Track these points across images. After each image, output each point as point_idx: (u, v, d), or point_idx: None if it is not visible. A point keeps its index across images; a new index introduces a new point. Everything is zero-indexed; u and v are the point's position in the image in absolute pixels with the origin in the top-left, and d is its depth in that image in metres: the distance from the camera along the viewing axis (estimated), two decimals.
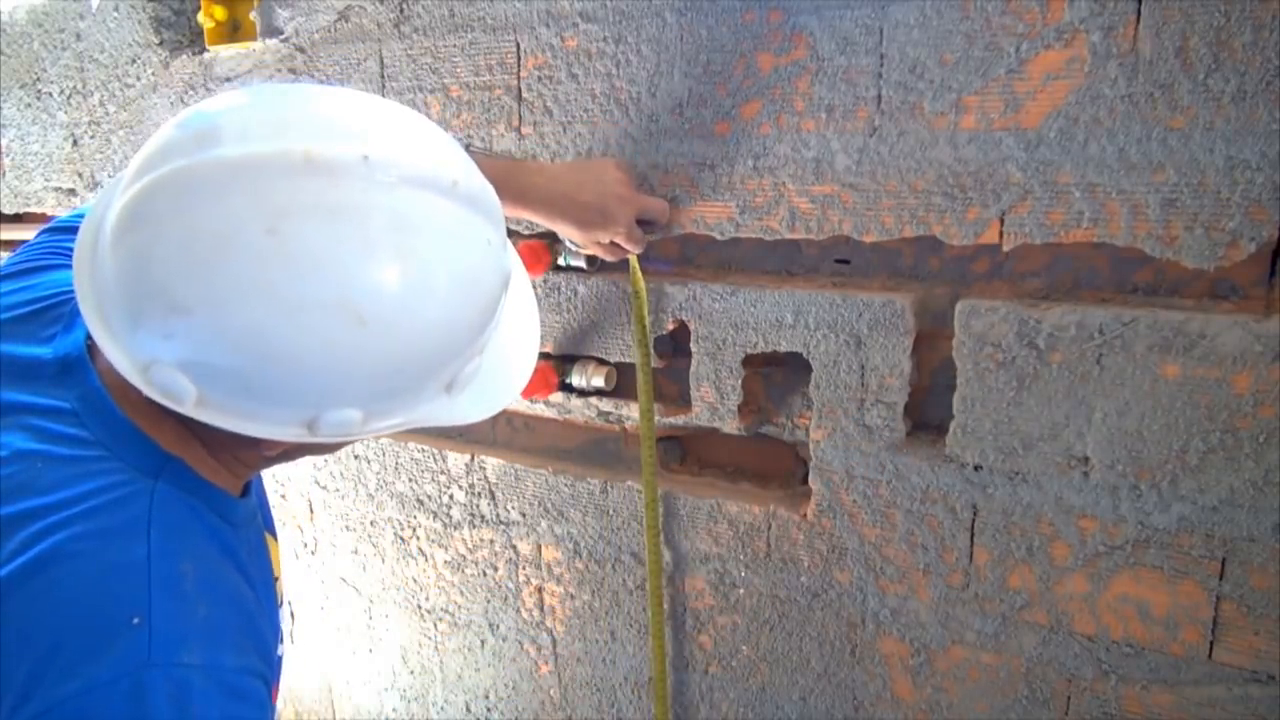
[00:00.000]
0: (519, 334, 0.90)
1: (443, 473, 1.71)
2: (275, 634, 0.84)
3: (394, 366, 0.72)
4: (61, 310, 0.84)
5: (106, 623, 0.68)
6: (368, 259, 0.68)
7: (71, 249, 0.91)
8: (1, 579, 0.68)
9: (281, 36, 1.72)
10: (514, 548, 1.65)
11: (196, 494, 0.78)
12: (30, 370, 0.79)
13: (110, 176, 2.06)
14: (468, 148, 0.96)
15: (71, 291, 0.84)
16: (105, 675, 0.66)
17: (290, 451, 0.83)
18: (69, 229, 1.00)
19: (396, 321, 0.69)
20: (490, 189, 0.79)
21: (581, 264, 1.44)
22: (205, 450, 0.80)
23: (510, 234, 1.52)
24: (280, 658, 0.88)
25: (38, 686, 0.66)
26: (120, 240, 0.69)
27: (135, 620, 0.68)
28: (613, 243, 1.32)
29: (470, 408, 0.82)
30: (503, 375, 0.86)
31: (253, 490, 0.91)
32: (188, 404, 0.69)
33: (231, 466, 0.83)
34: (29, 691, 0.65)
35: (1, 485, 0.71)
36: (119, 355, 0.70)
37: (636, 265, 1.36)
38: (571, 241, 1.36)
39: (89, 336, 0.79)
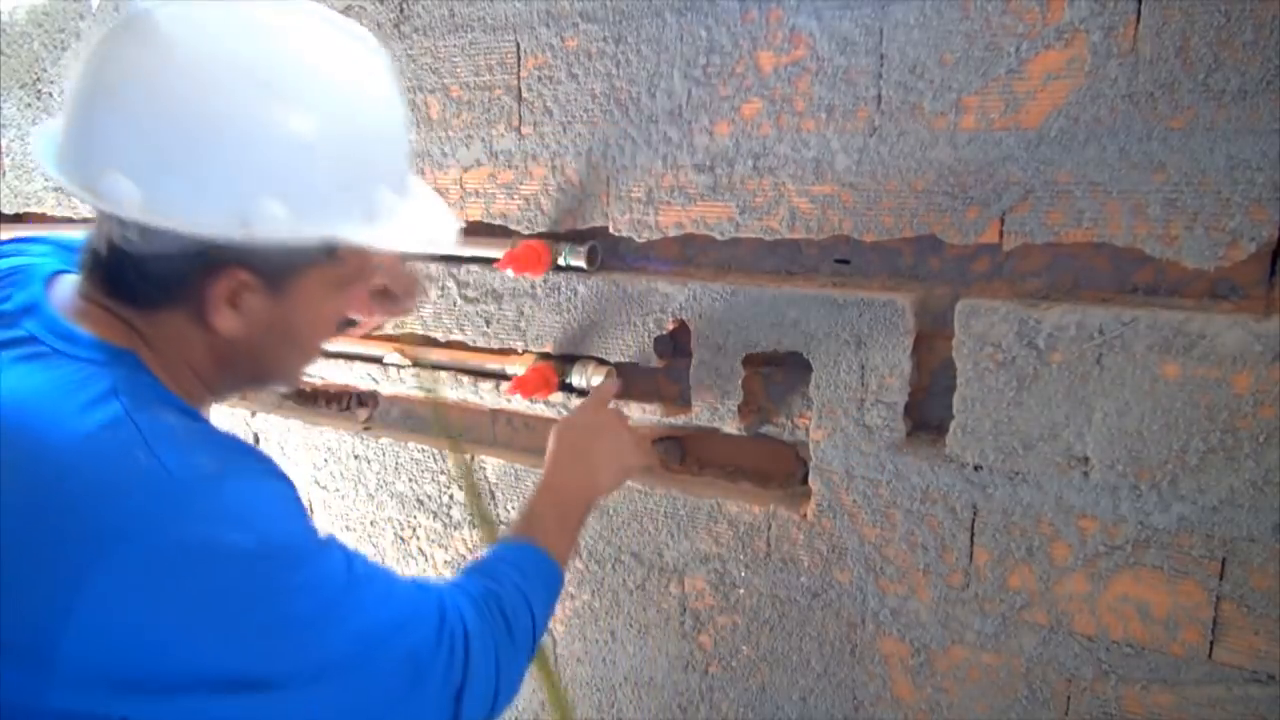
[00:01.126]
0: (435, 209, 0.94)
1: (443, 473, 1.71)
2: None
3: (309, 154, 0.76)
4: (14, 278, 0.87)
5: (115, 474, 0.70)
6: (282, 34, 0.76)
7: (16, 249, 0.94)
8: None
9: None
10: None
11: (154, 382, 0.80)
12: None
13: None
14: None
15: (20, 266, 0.88)
16: (142, 524, 0.68)
17: (240, 360, 0.84)
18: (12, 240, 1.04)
19: (306, 99, 0.76)
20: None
21: (581, 263, 1.44)
22: (152, 353, 0.82)
23: (508, 235, 1.52)
24: None
25: (78, 570, 0.66)
26: (69, 100, 0.77)
27: (141, 457, 0.70)
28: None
29: (392, 238, 0.85)
30: (423, 226, 0.90)
31: None
32: (133, 207, 0.73)
33: (177, 373, 0.84)
34: (77, 580, 0.66)
35: None
36: (69, 174, 0.75)
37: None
38: None
39: (44, 288, 0.84)
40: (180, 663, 0.70)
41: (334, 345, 1.79)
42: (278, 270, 0.80)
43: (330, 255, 0.82)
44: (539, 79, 1.44)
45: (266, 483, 0.78)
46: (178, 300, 0.79)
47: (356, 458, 1.82)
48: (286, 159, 0.75)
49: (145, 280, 0.78)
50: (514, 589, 0.93)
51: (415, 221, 0.87)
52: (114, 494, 0.69)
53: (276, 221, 0.75)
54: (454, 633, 0.83)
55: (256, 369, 0.88)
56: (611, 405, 1.25)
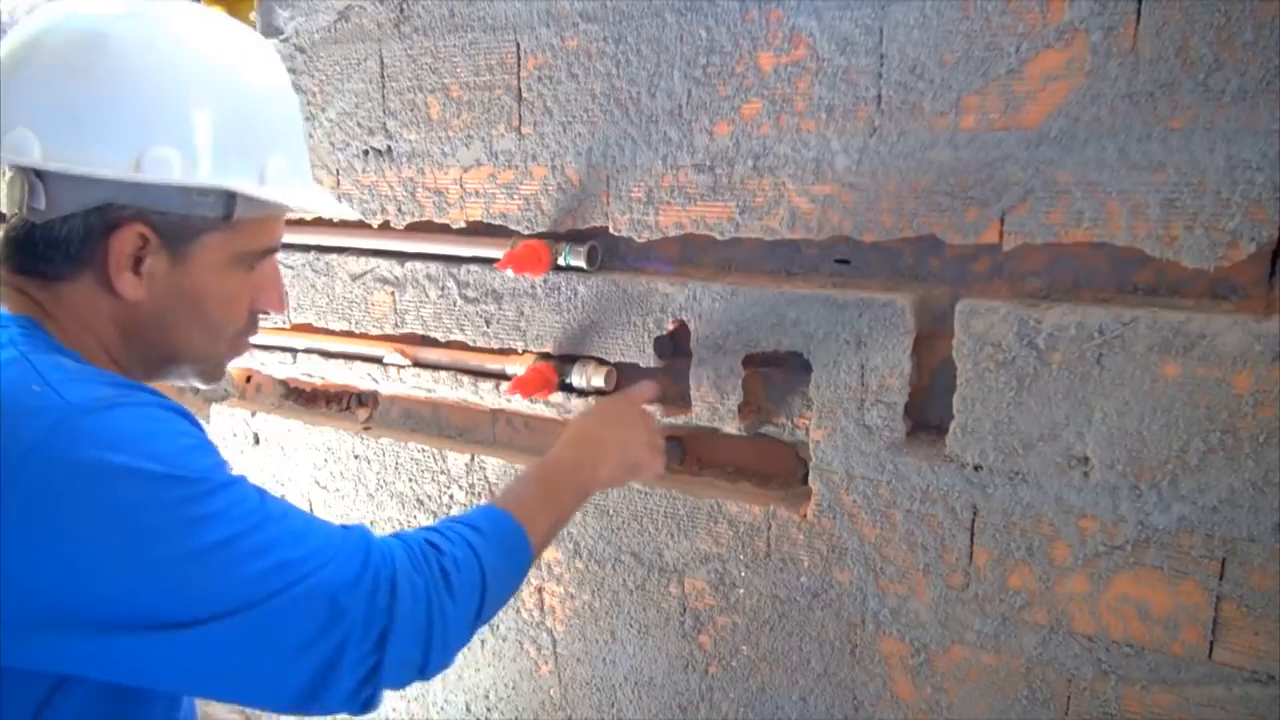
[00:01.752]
0: (331, 199, 1.02)
1: (443, 473, 1.71)
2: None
3: (203, 112, 0.82)
4: None
5: (11, 407, 0.71)
6: (189, 25, 0.84)
7: None
8: None
9: (282, 36, 1.72)
10: None
11: (50, 337, 0.82)
12: None
13: None
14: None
15: None
16: (39, 450, 0.69)
17: (146, 331, 0.85)
18: None
19: (203, 68, 0.83)
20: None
21: (581, 263, 1.44)
22: (51, 322, 0.83)
23: (508, 235, 1.52)
24: None
25: None
26: None
27: (35, 388, 0.72)
28: None
29: (283, 196, 0.89)
30: (315, 197, 0.97)
31: None
32: (34, 155, 0.77)
33: (80, 341, 0.84)
34: None
35: None
36: None
37: None
38: None
39: None
40: (94, 598, 0.70)
41: (334, 345, 1.79)
42: (177, 230, 0.82)
43: (228, 220, 0.84)
44: (539, 79, 1.44)
45: (167, 415, 0.78)
46: (82, 265, 0.81)
47: (356, 458, 1.82)
48: (181, 114, 0.81)
49: (52, 247, 0.81)
50: (463, 544, 0.91)
51: (308, 194, 0.94)
52: (9, 425, 0.70)
53: (169, 166, 0.80)
54: (378, 576, 0.81)
55: (164, 345, 0.88)
56: (643, 408, 1.24)
